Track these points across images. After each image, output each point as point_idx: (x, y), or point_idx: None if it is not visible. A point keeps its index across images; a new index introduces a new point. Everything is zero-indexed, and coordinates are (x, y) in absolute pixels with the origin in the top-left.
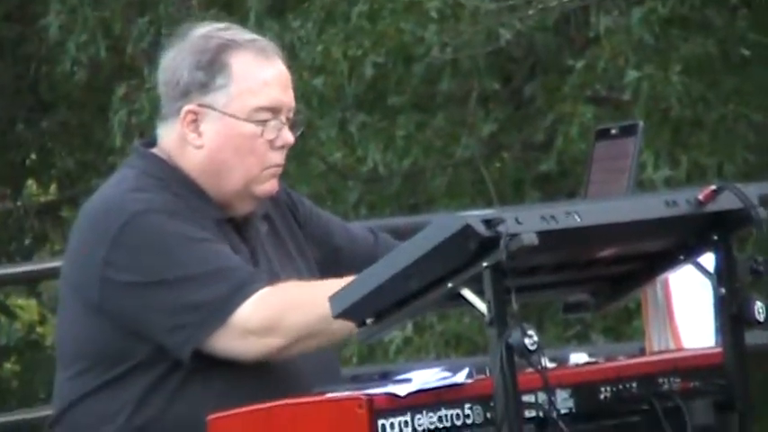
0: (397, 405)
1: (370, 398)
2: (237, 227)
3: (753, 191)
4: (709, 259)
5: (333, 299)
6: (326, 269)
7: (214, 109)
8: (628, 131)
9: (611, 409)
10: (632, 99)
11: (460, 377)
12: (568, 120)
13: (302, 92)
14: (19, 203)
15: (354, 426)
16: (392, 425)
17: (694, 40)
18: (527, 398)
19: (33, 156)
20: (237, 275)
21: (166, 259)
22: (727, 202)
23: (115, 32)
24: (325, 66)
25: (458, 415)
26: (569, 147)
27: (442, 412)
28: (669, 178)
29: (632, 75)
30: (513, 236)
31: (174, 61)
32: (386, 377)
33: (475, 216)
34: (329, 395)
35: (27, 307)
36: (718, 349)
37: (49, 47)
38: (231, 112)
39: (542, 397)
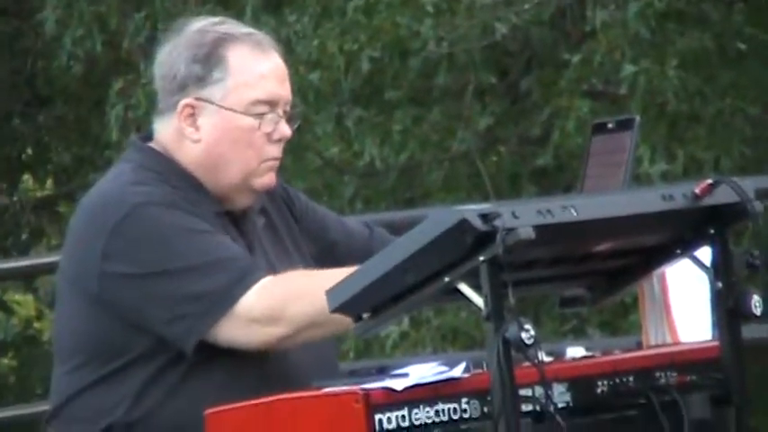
0: (394, 399)
1: (367, 392)
2: (235, 221)
3: (749, 184)
4: (705, 253)
5: (329, 293)
6: (322, 264)
7: (211, 102)
8: (624, 126)
9: (607, 403)
10: (629, 93)
11: (457, 371)
12: (565, 114)
13: (298, 87)
14: (15, 198)
15: (351, 420)
16: (389, 419)
17: (691, 35)
18: (524, 392)
19: (30, 150)
20: (239, 265)
21: (166, 250)
22: (723, 195)
23: (111, 27)
24: (321, 60)
25: (455, 409)
26: (566, 141)
27: (439, 406)
28: (666, 172)
29: (629, 69)
30: (510, 230)
31: (171, 55)
32: (383, 372)
33: (471, 210)
34: (326, 390)
35: (24, 302)
36: (715, 343)
37: (45, 41)
38: (228, 105)
39: (539, 391)
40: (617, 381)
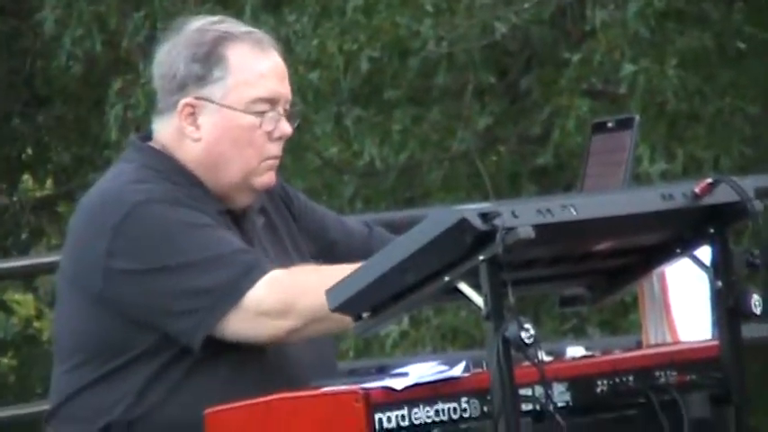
0: (394, 399)
1: (367, 392)
2: (235, 220)
3: (749, 184)
4: (705, 252)
5: (330, 293)
6: (322, 263)
7: (212, 101)
8: (624, 125)
9: (607, 403)
10: (628, 92)
11: (457, 371)
12: (565, 113)
13: (298, 86)
14: (15, 198)
15: (351, 420)
16: (389, 418)
17: (690, 34)
18: (524, 391)
19: (29, 150)
20: (245, 259)
21: (171, 247)
22: (723, 195)
23: (110, 27)
24: (320, 60)
25: (455, 408)
26: (565, 140)
27: (439, 406)
28: (665, 172)
29: (628, 68)
30: (510, 229)
31: (170, 55)
32: (383, 371)
33: (471, 210)
34: (326, 389)
35: (24, 302)
36: (715, 342)
37: (44, 41)
38: (229, 103)
39: (539, 390)
40: (617, 380)
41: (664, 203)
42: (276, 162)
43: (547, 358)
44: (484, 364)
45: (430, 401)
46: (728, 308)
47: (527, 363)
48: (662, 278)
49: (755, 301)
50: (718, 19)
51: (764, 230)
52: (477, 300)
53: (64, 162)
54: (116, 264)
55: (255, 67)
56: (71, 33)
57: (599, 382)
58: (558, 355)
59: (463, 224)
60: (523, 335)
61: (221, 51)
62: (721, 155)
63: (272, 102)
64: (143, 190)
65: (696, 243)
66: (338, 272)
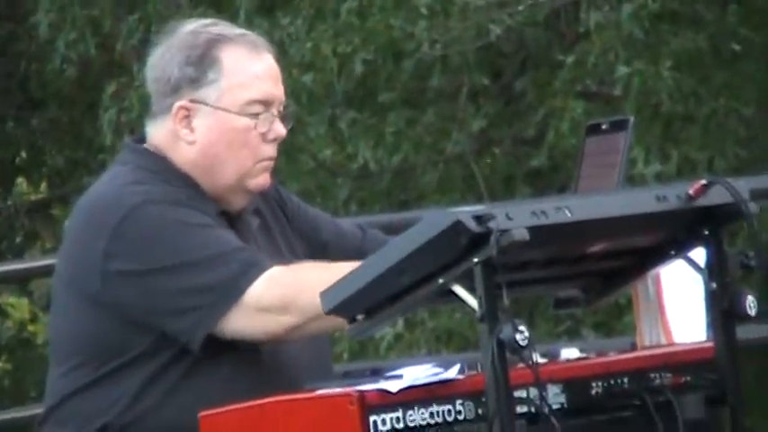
0: (389, 401)
1: (362, 394)
2: (230, 221)
3: (743, 185)
4: (699, 254)
5: (324, 295)
6: None
7: (206, 104)
8: (618, 126)
9: (602, 405)
10: (623, 94)
11: (452, 373)
12: (559, 115)
13: (292, 89)
14: (9, 202)
15: (346, 422)
16: (384, 421)
17: (685, 35)
18: (518, 393)
19: (23, 154)
20: (244, 257)
21: (170, 247)
22: (717, 196)
23: (104, 30)
24: (314, 63)
25: (449, 411)
26: (560, 142)
27: (434, 408)
28: (660, 173)
29: (623, 70)
30: (504, 231)
31: (164, 58)
32: (377, 373)
33: (465, 212)
34: (321, 391)
35: (18, 305)
36: (710, 344)
37: (38, 45)
38: (223, 106)
39: (534, 392)
40: (611, 382)
41: (658, 205)
42: (271, 163)
43: (541, 360)
44: (478, 366)
45: (424, 404)
46: (723, 309)
47: (522, 365)
48: (656, 280)
49: (750, 302)
50: (712, 20)
51: (759, 232)
52: (472, 302)
53: (58, 165)
54: (114, 265)
55: (249, 69)
56: (65, 37)
57: (594, 384)
58: (553, 356)
59: (458, 226)
60: (518, 337)
61: (215, 54)
62: (716, 156)
63: (267, 103)
64: (140, 191)
65: (690, 244)
66: (338, 269)
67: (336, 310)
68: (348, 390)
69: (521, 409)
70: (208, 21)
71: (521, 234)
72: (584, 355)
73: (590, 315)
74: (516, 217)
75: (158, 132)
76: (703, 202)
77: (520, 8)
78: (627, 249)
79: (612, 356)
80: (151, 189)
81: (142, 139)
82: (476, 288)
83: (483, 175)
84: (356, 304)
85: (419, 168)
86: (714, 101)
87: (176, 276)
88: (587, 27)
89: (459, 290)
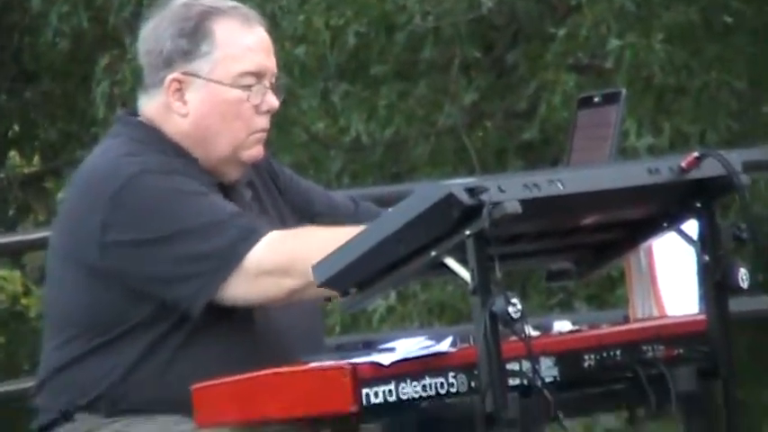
0: (382, 374)
1: (355, 367)
2: (224, 193)
3: (735, 157)
4: (692, 226)
5: (316, 267)
6: None
7: (199, 76)
8: (610, 99)
9: (595, 377)
10: (615, 67)
11: (444, 346)
12: (551, 88)
13: (284, 62)
14: (2, 175)
15: (339, 395)
16: (376, 394)
17: (676, 8)
18: (511, 366)
19: (16, 127)
20: (242, 222)
21: (168, 215)
22: (709, 169)
23: (97, 3)
24: (306, 35)
25: (442, 384)
26: (552, 115)
27: (426, 381)
28: (652, 146)
29: (615, 43)
30: (496, 204)
31: (156, 30)
32: (370, 346)
33: (458, 184)
34: (313, 364)
35: (11, 278)
36: (702, 316)
37: (31, 17)
38: (216, 78)
39: (526, 365)
40: (604, 354)
41: (650, 178)
42: (264, 135)
43: (534, 333)
44: (471, 339)
45: (417, 377)
46: (715, 282)
47: (514, 337)
48: (649, 252)
49: (742, 274)
50: None
51: (751, 204)
52: (464, 274)
53: (51, 138)
54: (113, 235)
55: (242, 41)
56: (58, 9)
57: (586, 357)
58: (545, 329)
59: (450, 199)
60: (510, 309)
61: (208, 26)
62: (708, 129)
63: (259, 75)
64: (137, 162)
65: (683, 217)
66: (337, 233)
67: (329, 283)
68: (341, 363)
69: (513, 381)
70: None
71: (513, 207)
72: (576, 327)
73: (582, 288)
74: (508, 190)
75: (151, 105)
76: (695, 174)
77: None
78: (619, 222)
79: (605, 329)
80: (147, 159)
81: (134, 112)
82: (468, 261)
83: (475, 148)
84: (348, 277)
85: (411, 141)
86: (706, 74)
87: (176, 244)
88: (579, 0)
89: (451, 262)
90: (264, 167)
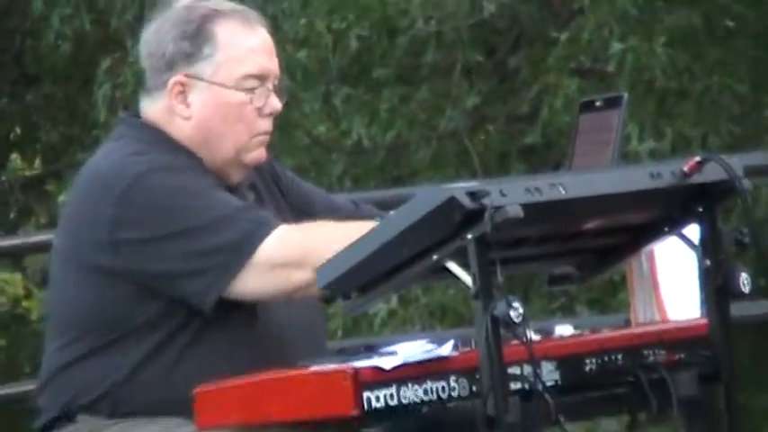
0: (383, 378)
1: (356, 370)
2: None
3: (737, 162)
4: (693, 231)
5: (320, 271)
6: None
7: (201, 79)
8: (612, 103)
9: (596, 381)
10: (617, 71)
11: (446, 349)
12: (553, 92)
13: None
14: (3, 178)
15: (340, 398)
16: (377, 397)
17: (679, 12)
18: (512, 370)
19: (18, 129)
20: (252, 216)
21: (178, 211)
22: (711, 173)
23: (99, 5)
24: (308, 39)
25: (443, 387)
26: (554, 119)
27: (428, 385)
28: (654, 150)
29: (617, 46)
30: (498, 208)
31: (158, 33)
32: (371, 350)
33: (460, 188)
34: (315, 368)
35: (12, 281)
36: (704, 321)
37: (33, 20)
38: (219, 80)
39: (528, 369)
40: (605, 359)
41: (652, 182)
42: (267, 138)
43: (535, 337)
44: (472, 343)
45: (418, 380)
46: (717, 286)
47: (516, 341)
48: (650, 257)
49: (744, 279)
50: None
51: (753, 209)
52: (466, 278)
53: (52, 141)
54: (123, 234)
55: (244, 44)
56: (60, 12)
57: (588, 361)
58: (547, 333)
59: (452, 203)
60: (512, 313)
61: (210, 28)
62: (710, 133)
63: (262, 78)
64: (143, 160)
65: (684, 221)
66: (346, 228)
67: (331, 287)
68: (342, 366)
69: (514, 385)
70: None
71: (515, 211)
72: (578, 331)
73: (584, 292)
74: (510, 193)
75: (153, 108)
76: (697, 179)
77: None
78: (621, 226)
79: (606, 333)
80: (154, 158)
81: (137, 115)
82: (470, 264)
83: (477, 152)
84: (351, 280)
85: (413, 145)
86: (708, 78)
87: (186, 240)
88: (581, 3)
89: (453, 266)
90: (267, 170)
